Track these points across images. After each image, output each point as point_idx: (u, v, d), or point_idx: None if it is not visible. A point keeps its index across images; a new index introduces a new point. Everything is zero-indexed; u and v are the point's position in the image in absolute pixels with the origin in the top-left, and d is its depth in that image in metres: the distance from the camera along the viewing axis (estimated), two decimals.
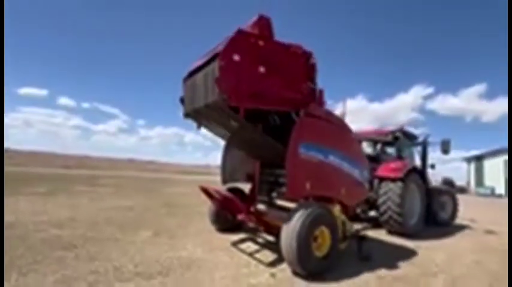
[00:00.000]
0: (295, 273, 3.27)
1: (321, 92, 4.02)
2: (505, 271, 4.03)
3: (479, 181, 33.04)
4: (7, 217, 5.10)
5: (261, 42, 3.37)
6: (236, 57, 3.15)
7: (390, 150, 7.60)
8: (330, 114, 4.13)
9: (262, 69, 3.41)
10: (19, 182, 10.70)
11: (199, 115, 3.80)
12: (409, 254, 4.60)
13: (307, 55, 3.86)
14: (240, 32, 3.23)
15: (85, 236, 4.30)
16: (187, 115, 3.94)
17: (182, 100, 3.99)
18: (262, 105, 3.53)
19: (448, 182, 11.16)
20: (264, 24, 3.46)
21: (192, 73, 3.75)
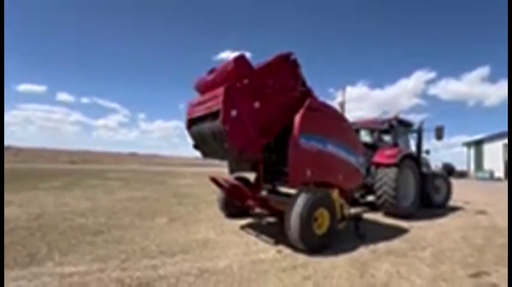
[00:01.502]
0: (299, 249, 3.71)
1: (309, 91, 4.35)
2: (489, 244, 4.47)
3: (479, 165, 33.47)
4: (34, 209, 5.58)
5: (245, 81, 3.62)
6: (234, 113, 3.50)
7: (387, 137, 7.96)
8: (326, 106, 4.49)
9: (257, 104, 3.75)
10: (33, 178, 11.21)
11: (216, 155, 4.41)
12: (402, 232, 5.05)
13: (286, 56, 4.09)
14: (227, 89, 3.50)
15: (108, 224, 4.76)
16: (206, 155, 4.60)
17: (196, 146, 4.57)
18: (272, 134, 3.98)
19: (448, 168, 11.56)
20: (241, 63, 3.63)
21: (193, 121, 4.29)
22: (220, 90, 3.59)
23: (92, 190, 8.77)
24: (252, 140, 3.71)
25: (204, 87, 4.29)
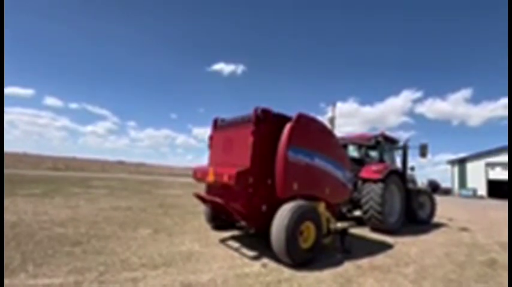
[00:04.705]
0: (284, 263, 3.67)
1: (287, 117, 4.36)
2: (470, 261, 4.56)
3: (462, 183, 34.41)
4: (10, 217, 5.33)
5: (251, 180, 3.90)
6: (264, 208, 4.02)
7: (373, 153, 8.14)
8: (315, 121, 4.58)
9: (269, 181, 4.08)
10: (13, 184, 10.73)
11: None
12: (387, 248, 5.08)
13: (256, 117, 4.09)
14: (248, 212, 3.95)
15: (88, 234, 4.59)
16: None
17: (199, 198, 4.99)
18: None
19: (433, 185, 11.78)
20: (241, 177, 3.82)
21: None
22: (240, 210, 4.00)
23: (74, 198, 8.47)
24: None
25: (209, 180, 4.53)
